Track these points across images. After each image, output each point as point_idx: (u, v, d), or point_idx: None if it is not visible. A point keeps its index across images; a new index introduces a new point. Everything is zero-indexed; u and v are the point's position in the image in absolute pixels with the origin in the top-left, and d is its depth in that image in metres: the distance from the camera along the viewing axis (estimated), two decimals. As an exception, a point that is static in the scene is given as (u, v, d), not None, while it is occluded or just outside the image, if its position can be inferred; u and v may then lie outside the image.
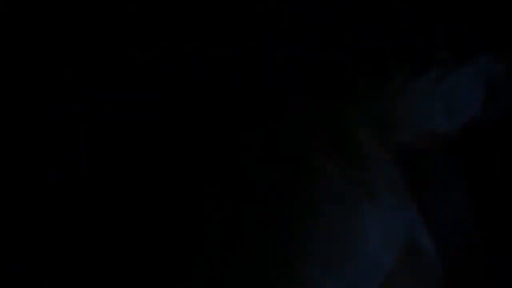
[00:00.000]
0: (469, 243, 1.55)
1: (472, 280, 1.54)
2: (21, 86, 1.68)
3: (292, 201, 1.47)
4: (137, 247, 1.62)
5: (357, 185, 1.45)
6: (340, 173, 1.46)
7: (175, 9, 1.70)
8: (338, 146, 1.50)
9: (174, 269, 1.59)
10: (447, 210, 1.55)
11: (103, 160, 1.66)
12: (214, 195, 1.61)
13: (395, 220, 1.44)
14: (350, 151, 1.50)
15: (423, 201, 1.50)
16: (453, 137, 1.54)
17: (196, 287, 1.57)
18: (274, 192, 1.47)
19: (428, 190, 1.52)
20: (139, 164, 1.66)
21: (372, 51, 1.68)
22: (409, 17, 1.68)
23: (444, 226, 1.52)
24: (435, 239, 1.47)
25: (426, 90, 1.54)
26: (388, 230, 1.43)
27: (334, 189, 1.44)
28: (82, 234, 1.63)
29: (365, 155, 1.49)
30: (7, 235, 1.62)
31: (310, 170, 1.48)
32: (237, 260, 1.56)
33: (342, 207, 1.43)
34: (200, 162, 1.64)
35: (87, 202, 1.64)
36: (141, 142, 1.67)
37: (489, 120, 1.58)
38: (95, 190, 1.64)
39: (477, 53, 1.62)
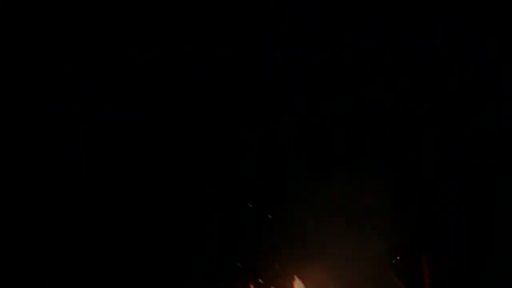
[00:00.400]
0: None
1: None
2: (21, 86, 1.68)
3: None
4: (137, 247, 1.61)
5: None
6: None
7: (175, 9, 1.70)
8: None
9: (174, 269, 1.59)
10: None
11: (103, 160, 1.66)
12: (214, 195, 1.60)
13: None
14: None
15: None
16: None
17: (196, 287, 1.57)
18: None
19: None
20: (139, 164, 1.66)
21: (372, 51, 1.68)
22: (409, 17, 1.68)
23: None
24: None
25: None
26: None
27: None
28: (82, 234, 1.63)
29: None
30: (7, 235, 1.62)
31: None
32: (238, 260, 1.56)
33: None
34: (200, 162, 1.64)
35: (87, 202, 1.64)
36: (141, 142, 1.66)
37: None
38: (95, 190, 1.64)
39: (477, 53, 1.62)
